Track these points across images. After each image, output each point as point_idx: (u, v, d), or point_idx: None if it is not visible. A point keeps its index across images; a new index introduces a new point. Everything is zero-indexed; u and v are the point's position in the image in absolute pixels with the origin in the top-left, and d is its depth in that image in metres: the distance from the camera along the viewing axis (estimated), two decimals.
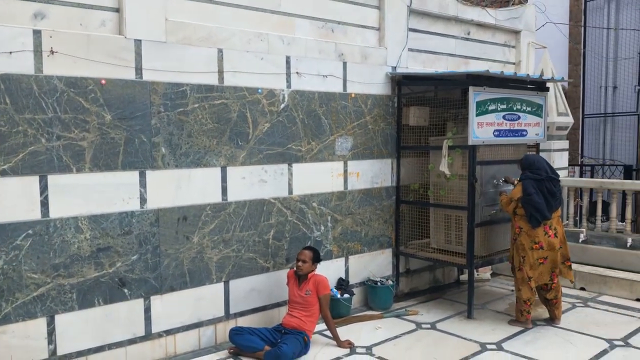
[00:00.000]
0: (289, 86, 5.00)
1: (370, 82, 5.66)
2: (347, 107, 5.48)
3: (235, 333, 4.43)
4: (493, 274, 7.09)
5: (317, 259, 4.68)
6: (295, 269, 4.66)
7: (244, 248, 4.79)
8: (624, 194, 7.08)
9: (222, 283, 4.70)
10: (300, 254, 4.63)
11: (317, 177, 5.29)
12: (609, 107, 11.72)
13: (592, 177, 11.35)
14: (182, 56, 4.34)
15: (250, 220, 4.81)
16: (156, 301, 4.33)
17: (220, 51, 4.54)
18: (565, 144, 7.72)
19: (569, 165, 11.82)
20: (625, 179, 10.95)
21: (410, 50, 6.13)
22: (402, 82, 5.90)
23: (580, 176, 11.66)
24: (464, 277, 6.55)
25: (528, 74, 5.56)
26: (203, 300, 4.60)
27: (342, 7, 5.48)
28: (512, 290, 5.91)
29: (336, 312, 5.20)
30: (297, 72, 5.04)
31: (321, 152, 5.30)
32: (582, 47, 11.99)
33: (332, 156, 5.40)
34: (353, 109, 5.53)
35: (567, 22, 11.98)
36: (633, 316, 5.49)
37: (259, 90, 4.79)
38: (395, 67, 5.90)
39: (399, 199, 6.03)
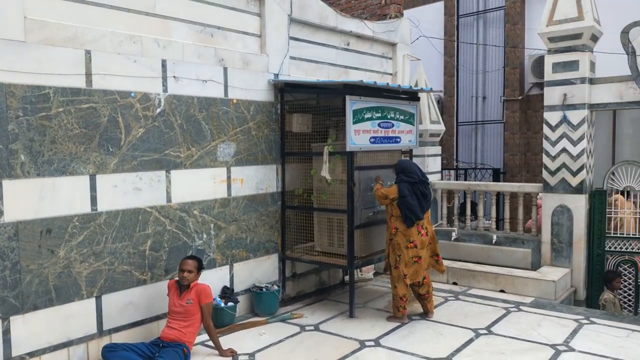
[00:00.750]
0: (165, 90, 4.87)
1: (252, 88, 5.68)
2: (229, 113, 5.45)
3: (109, 350, 4.19)
4: (376, 273, 7.41)
5: (201, 268, 4.60)
6: (178, 279, 4.52)
7: (118, 260, 4.56)
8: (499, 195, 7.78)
9: (94, 298, 4.43)
10: (184, 264, 4.50)
11: (199, 184, 5.19)
12: (479, 115, 12.83)
13: (465, 179, 12.35)
14: (44, 57, 4.04)
15: (124, 231, 4.59)
16: (17, 321, 3.97)
17: (88, 52, 4.30)
18: (438, 149, 8.32)
19: (446, 169, 12.80)
20: (493, 181, 12.06)
21: (293, 58, 6.25)
22: (284, 90, 5.99)
23: (456, 179, 12.66)
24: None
25: (399, 85, 5.92)
26: (73, 317, 4.30)
27: (222, 13, 5.45)
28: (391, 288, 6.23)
29: (220, 321, 5.14)
30: (174, 76, 4.92)
31: (202, 158, 5.21)
32: (455, 61, 13.01)
33: (215, 162, 5.34)
34: (235, 114, 5.52)
35: (442, 37, 12.94)
36: (496, 306, 6.02)
37: (132, 94, 4.60)
38: (277, 75, 5.98)
39: (284, 204, 6.11)
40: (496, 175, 12.15)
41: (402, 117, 6.14)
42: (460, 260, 7.45)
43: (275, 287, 5.77)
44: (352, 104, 5.38)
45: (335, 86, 5.66)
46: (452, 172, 12.89)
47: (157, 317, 4.90)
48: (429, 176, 7.99)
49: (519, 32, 11.82)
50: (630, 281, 6.75)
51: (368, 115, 5.61)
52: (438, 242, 7.54)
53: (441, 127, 8.26)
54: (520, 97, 11.92)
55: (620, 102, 6.56)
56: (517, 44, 11.74)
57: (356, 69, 7.20)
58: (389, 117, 5.95)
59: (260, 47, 5.88)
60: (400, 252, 5.37)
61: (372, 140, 5.69)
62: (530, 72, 11.51)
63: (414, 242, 5.34)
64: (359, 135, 5.49)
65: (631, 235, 6.74)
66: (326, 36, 6.77)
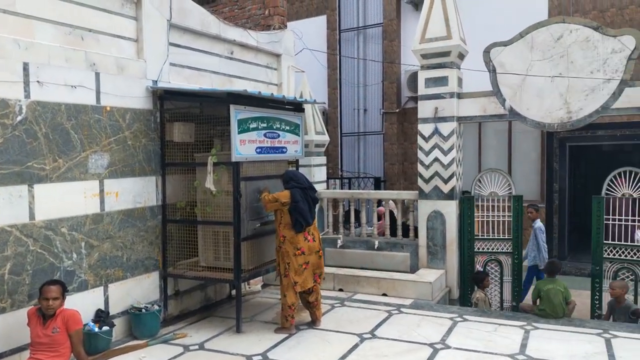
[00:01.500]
0: (27, 96, 4.40)
1: (128, 95, 5.34)
2: (101, 121, 5.06)
3: None
4: (264, 285, 7.34)
5: (65, 291, 4.18)
6: (41, 308, 4.06)
7: None
8: (380, 202, 8.08)
9: None
10: (47, 291, 4.04)
11: (67, 199, 4.74)
12: (361, 127, 13.37)
13: (350, 188, 12.77)
14: None
15: None
16: None
17: None
18: (323, 159, 8.49)
19: (331, 178, 13.13)
20: (375, 189, 12.61)
21: (173, 65, 6.00)
22: (164, 97, 5.72)
23: (341, 188, 13.04)
24: None
25: (284, 95, 5.95)
26: None
27: (93, 14, 5.07)
28: (280, 299, 6.19)
29: (94, 347, 4.72)
30: (37, 81, 4.46)
31: (71, 171, 4.78)
32: (338, 74, 13.45)
33: (86, 175, 4.92)
34: (109, 123, 5.14)
35: (325, 50, 13.31)
36: (379, 310, 6.24)
37: None
38: (156, 81, 5.69)
39: (166, 218, 5.81)
40: (377, 184, 12.73)
41: (287, 127, 6.17)
42: (346, 267, 7.64)
43: (156, 307, 5.45)
44: (237, 113, 5.29)
45: (218, 95, 5.52)
46: (338, 181, 13.26)
47: (20, 349, 4.37)
48: (315, 185, 8.16)
49: (395, 48, 12.54)
50: (497, 279, 7.38)
51: (254, 125, 5.55)
52: (325, 249, 7.71)
53: (326, 138, 8.45)
54: (397, 110, 12.63)
55: (484, 115, 7.19)
56: (394, 60, 12.44)
57: (241, 78, 7.11)
58: (274, 127, 5.94)
59: (137, 52, 5.56)
60: (289, 260, 5.37)
61: (258, 150, 5.63)
62: (406, 86, 12.25)
63: (301, 248, 5.37)
64: (244, 145, 5.41)
65: (496, 237, 7.39)
66: (209, 44, 6.60)
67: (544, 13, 10.88)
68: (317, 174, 8.21)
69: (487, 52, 7.12)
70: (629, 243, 6.67)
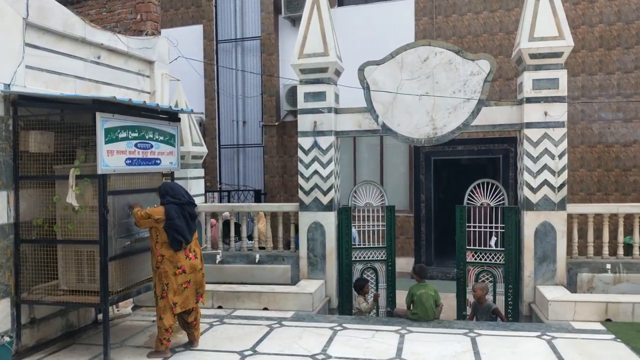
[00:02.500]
0: None
1: None
2: None
3: None
4: (135, 307, 6.84)
5: None
6: None
7: None
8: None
9: None
10: None
11: None
12: (240, 139, 13.20)
13: (229, 201, 12.51)
14: None
15: None
16: None
17: None
18: (201, 171, 8.20)
19: (210, 191, 12.76)
20: (255, 202, 12.50)
21: (30, 68, 5.38)
22: (18, 103, 5.11)
23: (220, 201, 12.72)
24: None
25: (158, 104, 5.64)
26: None
27: None
28: (154, 321, 5.80)
29: None
30: None
31: None
32: (215, 84, 13.18)
33: None
34: None
35: (202, 60, 12.97)
36: (261, 324, 6.13)
37: None
38: (8, 85, 5.06)
39: (19, 238, 5.15)
40: (257, 197, 12.63)
41: (162, 137, 5.84)
42: (225, 283, 7.42)
43: (7, 338, 4.79)
44: (104, 121, 4.88)
45: (83, 101, 5.07)
46: (216, 195, 12.93)
47: None
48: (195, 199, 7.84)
49: (274, 62, 12.63)
50: (373, 286, 7.66)
51: (123, 135, 5.16)
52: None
53: (203, 150, 8.19)
54: (276, 123, 12.70)
55: (359, 130, 7.48)
56: (272, 73, 12.51)
57: (109, 84, 6.60)
58: (147, 137, 5.59)
59: None
60: (167, 280, 5.05)
61: (128, 162, 5.24)
62: (285, 100, 12.37)
63: (182, 267, 5.08)
64: (112, 157, 5.00)
65: (372, 246, 7.68)
66: (73, 47, 6.05)
67: (411, 37, 11.70)
68: (194, 187, 7.90)
69: (361, 70, 7.43)
70: (487, 248, 7.33)
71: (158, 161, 5.79)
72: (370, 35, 11.65)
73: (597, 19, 10.90)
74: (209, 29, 13.17)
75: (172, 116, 6.08)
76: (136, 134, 5.41)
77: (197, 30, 13.35)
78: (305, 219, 7.44)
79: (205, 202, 9.19)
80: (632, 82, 10.71)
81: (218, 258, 7.62)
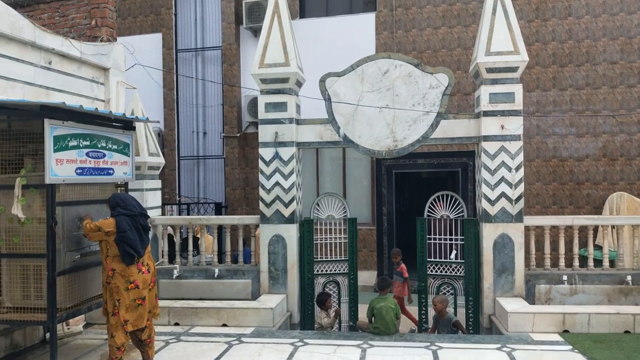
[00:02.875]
0: None
1: None
2: None
3: None
4: (87, 325, 6.51)
5: None
6: None
7: None
8: (220, 228, 7.75)
9: None
10: None
11: None
12: (201, 150, 12.94)
13: (188, 214, 12.19)
14: None
15: None
16: None
17: None
18: (157, 183, 7.94)
19: (168, 204, 12.42)
20: (216, 215, 12.22)
21: None
22: None
23: (179, 214, 12.38)
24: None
25: (111, 111, 5.41)
26: None
27: None
28: (107, 339, 5.51)
29: None
30: None
31: None
32: (175, 94, 12.90)
33: None
34: None
35: (161, 69, 12.70)
36: (219, 342, 5.92)
37: None
38: None
39: None
40: (218, 209, 12.37)
41: (115, 147, 5.62)
42: (183, 299, 7.17)
43: None
44: (53, 129, 4.65)
45: (30, 107, 4.81)
46: (175, 207, 12.59)
47: None
48: (149, 211, 7.56)
49: (235, 72, 12.49)
50: (336, 299, 7.55)
51: (74, 143, 4.92)
52: (160, 281, 7.15)
53: (161, 160, 7.94)
54: (238, 134, 12.52)
55: (321, 141, 7.42)
56: (234, 84, 12.36)
57: (61, 91, 6.33)
58: (99, 146, 5.36)
59: None
60: (119, 296, 4.80)
61: (79, 171, 5.00)
62: (247, 111, 12.23)
63: (134, 282, 4.84)
64: (62, 166, 4.76)
65: (334, 259, 7.59)
66: (21, 51, 5.77)
67: (372, 50, 11.82)
68: (150, 199, 7.63)
69: (322, 81, 7.41)
70: (447, 260, 7.36)
71: (111, 171, 5.55)
72: (332, 48, 11.68)
73: (550, 37, 11.29)
74: (169, 37, 12.92)
75: (126, 124, 5.86)
76: (88, 143, 5.18)
77: (156, 38, 13.08)
78: (267, 232, 7.30)
79: (163, 214, 8.91)
80: (583, 98, 11.12)
81: (175, 273, 7.37)
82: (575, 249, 7.12)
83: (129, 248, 4.77)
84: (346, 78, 7.35)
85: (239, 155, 12.53)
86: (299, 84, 7.53)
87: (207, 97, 12.88)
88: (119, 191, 5.75)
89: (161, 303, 6.56)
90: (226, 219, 7.79)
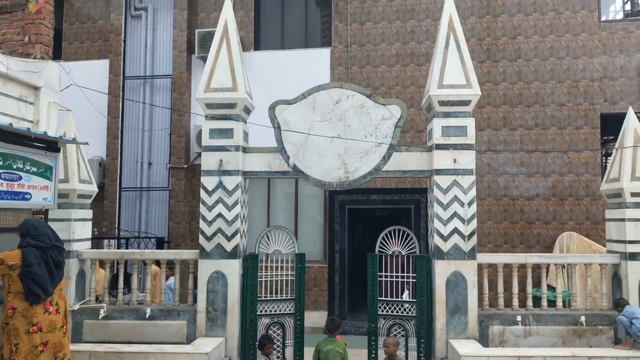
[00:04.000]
0: None
1: None
2: None
3: None
4: None
5: None
6: None
7: None
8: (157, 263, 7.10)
9: None
10: None
11: None
12: (144, 181, 12.25)
13: (127, 249, 11.39)
14: None
15: None
16: None
17: None
18: (88, 213, 7.27)
19: (106, 237, 11.61)
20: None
21: None
22: None
23: (118, 248, 11.58)
24: None
25: (29, 128, 4.86)
26: None
27: None
28: None
29: None
30: None
31: None
32: (120, 122, 12.28)
33: None
34: None
35: (107, 96, 12.11)
36: None
37: None
38: None
39: None
40: (160, 244, 11.63)
41: (34, 169, 5.04)
42: (109, 342, 6.45)
43: None
44: None
45: None
46: (114, 242, 11.77)
47: None
48: (76, 244, 6.89)
49: (185, 101, 12.04)
50: (279, 343, 6.99)
51: None
52: (84, 321, 6.43)
53: (93, 188, 7.29)
54: (185, 165, 11.97)
55: (269, 171, 7.02)
56: (183, 113, 11.89)
57: None
58: (15, 167, 4.78)
59: None
60: (18, 340, 4.14)
61: None
62: (195, 141, 11.73)
63: (38, 324, 4.20)
64: None
65: (280, 298, 7.07)
66: None
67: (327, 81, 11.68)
68: (79, 230, 6.95)
69: (272, 108, 7.08)
70: (399, 299, 6.98)
71: (28, 196, 4.96)
72: (287, 80, 11.47)
73: (500, 78, 11.49)
74: (116, 63, 12.39)
75: (50, 145, 5.30)
76: (1, 163, 4.59)
77: (103, 65, 12.52)
78: (206, 268, 6.73)
79: (94, 248, 8.18)
80: (533, 138, 11.26)
81: (102, 313, 6.65)
82: (529, 288, 6.90)
83: (35, 285, 4.14)
84: (297, 106, 7.05)
85: (185, 187, 11.93)
86: (247, 110, 7.17)
87: (154, 126, 12.31)
88: (35, 217, 5.13)
89: (82, 347, 5.87)
90: (162, 254, 7.17)
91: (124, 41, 12.51)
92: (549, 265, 7.23)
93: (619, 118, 11.52)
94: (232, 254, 6.75)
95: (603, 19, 11.58)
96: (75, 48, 12.98)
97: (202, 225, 6.80)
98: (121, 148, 12.34)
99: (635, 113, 10.91)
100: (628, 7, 12.26)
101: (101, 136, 12.33)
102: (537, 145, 11.22)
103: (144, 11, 12.52)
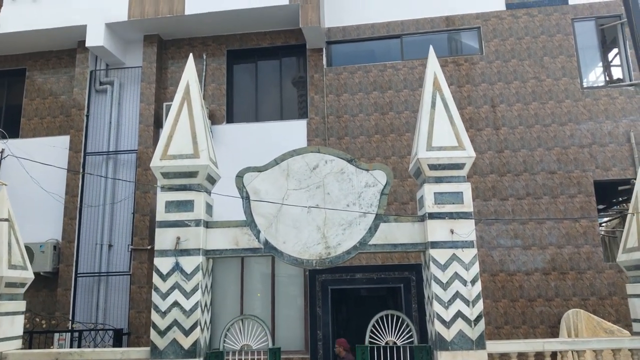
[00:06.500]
0: None
1: None
2: None
3: None
4: None
5: None
6: None
7: None
8: None
9: None
10: None
11: None
12: (104, 265, 11.01)
13: (80, 344, 9.95)
14: None
15: None
16: None
17: None
18: (19, 305, 6.06)
19: (57, 331, 10.16)
20: (115, 344, 10.06)
21: None
22: None
23: (71, 344, 10.14)
24: None
25: None
26: None
27: None
28: None
29: None
30: None
31: None
32: (78, 201, 11.24)
33: None
34: None
35: (66, 173, 11.16)
36: None
37: None
38: None
39: None
40: (118, 338, 10.20)
41: None
42: None
43: None
44: None
45: None
46: (67, 335, 10.31)
47: None
48: (1, 344, 5.63)
49: (150, 177, 11.12)
50: None
51: None
52: None
53: (27, 275, 6.13)
54: (149, 247, 10.81)
55: (236, 248, 6.02)
56: (148, 190, 10.94)
57: None
58: None
59: None
60: None
61: None
62: None
63: None
64: None
65: None
66: None
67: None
68: (5, 327, 5.71)
69: (240, 176, 6.23)
70: None
71: None
72: (261, 153, 10.43)
73: (485, 146, 10.94)
74: (77, 139, 11.55)
75: None
76: None
77: (63, 141, 11.67)
78: None
79: (45, 343, 6.85)
80: (525, 208, 10.53)
81: None
82: None
83: None
84: (268, 173, 6.21)
85: (148, 271, 10.70)
86: (211, 179, 6.28)
87: (116, 205, 11.27)
88: None
89: None
90: (106, 353, 5.89)
91: (87, 116, 11.77)
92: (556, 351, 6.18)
93: (614, 185, 11.06)
94: (191, 352, 5.55)
95: (585, 85, 11.34)
96: (35, 124, 12.17)
97: (154, 317, 5.65)
98: (79, 229, 11.20)
99: (631, 180, 10.55)
100: (608, 76, 12.11)
101: (58, 216, 11.23)
102: (530, 216, 10.47)
103: (110, 85, 11.90)
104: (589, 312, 9.58)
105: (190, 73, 6.38)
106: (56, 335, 10.40)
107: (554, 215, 10.40)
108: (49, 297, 11.11)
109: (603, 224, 13.50)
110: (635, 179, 10.26)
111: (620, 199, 12.44)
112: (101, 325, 10.55)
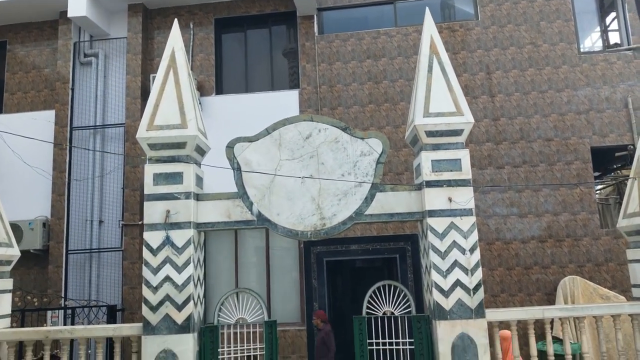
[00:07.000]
0: None
1: None
2: None
3: None
4: None
5: None
6: None
7: None
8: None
9: None
10: None
11: None
12: (95, 242, 10.83)
13: (73, 322, 9.85)
14: None
15: None
16: None
17: None
18: (7, 283, 5.89)
19: (50, 309, 10.05)
20: (109, 321, 9.95)
21: None
22: None
23: (64, 321, 10.04)
24: None
25: None
26: None
27: None
28: None
29: None
30: None
31: None
32: (66, 177, 10.98)
33: None
34: None
35: (52, 149, 10.88)
36: None
37: None
38: None
39: None
40: (112, 314, 10.10)
41: None
42: None
43: None
44: None
45: None
46: (60, 313, 10.21)
47: None
48: None
49: (139, 151, 10.85)
50: None
51: None
52: None
53: (12, 252, 5.94)
54: (140, 222, 10.61)
55: (228, 221, 5.85)
56: (137, 165, 10.69)
57: None
58: None
59: None
60: None
61: None
62: None
63: None
64: None
65: None
66: None
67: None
68: None
69: (230, 147, 6.01)
70: None
71: None
72: (252, 124, 10.24)
73: (481, 114, 10.74)
74: (63, 114, 11.22)
75: None
76: None
77: (48, 115, 11.34)
78: (151, 347, 5.37)
79: (38, 322, 6.71)
80: (521, 176, 10.41)
81: None
82: (550, 349, 5.72)
83: None
84: (260, 143, 6.00)
85: (140, 246, 10.53)
86: (201, 151, 6.06)
87: (105, 180, 11.04)
88: None
89: None
90: (98, 330, 5.75)
91: (72, 89, 11.41)
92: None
93: (611, 151, 10.93)
94: (185, 327, 5.43)
95: (582, 50, 11.10)
96: (18, 99, 11.79)
97: (146, 292, 5.50)
98: (68, 206, 10.97)
99: (628, 146, 10.43)
100: (605, 40, 11.85)
101: (46, 193, 10.99)
102: (526, 183, 10.35)
103: (95, 57, 11.51)
104: (585, 279, 9.57)
105: (175, 39, 6.09)
106: (49, 312, 10.30)
107: (550, 182, 10.29)
108: (40, 275, 10.95)
109: (597, 192, 13.45)
110: (632, 144, 10.18)
111: (616, 165, 12.36)
112: (94, 302, 10.44)
